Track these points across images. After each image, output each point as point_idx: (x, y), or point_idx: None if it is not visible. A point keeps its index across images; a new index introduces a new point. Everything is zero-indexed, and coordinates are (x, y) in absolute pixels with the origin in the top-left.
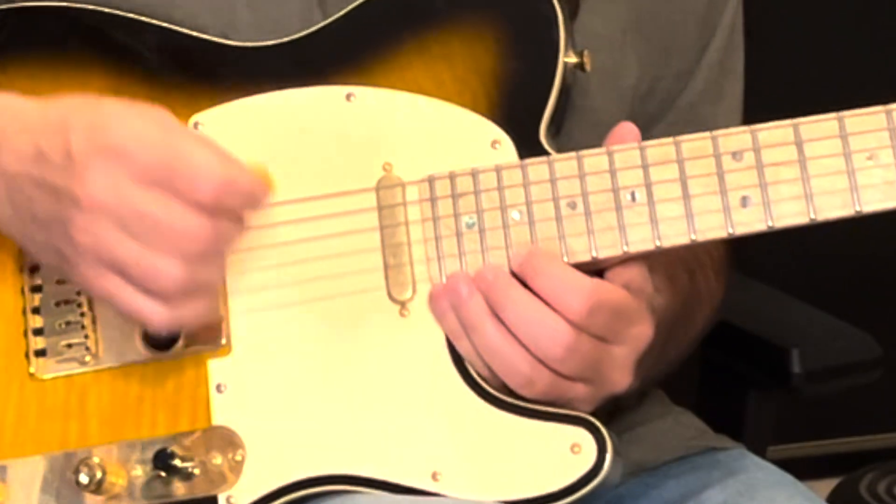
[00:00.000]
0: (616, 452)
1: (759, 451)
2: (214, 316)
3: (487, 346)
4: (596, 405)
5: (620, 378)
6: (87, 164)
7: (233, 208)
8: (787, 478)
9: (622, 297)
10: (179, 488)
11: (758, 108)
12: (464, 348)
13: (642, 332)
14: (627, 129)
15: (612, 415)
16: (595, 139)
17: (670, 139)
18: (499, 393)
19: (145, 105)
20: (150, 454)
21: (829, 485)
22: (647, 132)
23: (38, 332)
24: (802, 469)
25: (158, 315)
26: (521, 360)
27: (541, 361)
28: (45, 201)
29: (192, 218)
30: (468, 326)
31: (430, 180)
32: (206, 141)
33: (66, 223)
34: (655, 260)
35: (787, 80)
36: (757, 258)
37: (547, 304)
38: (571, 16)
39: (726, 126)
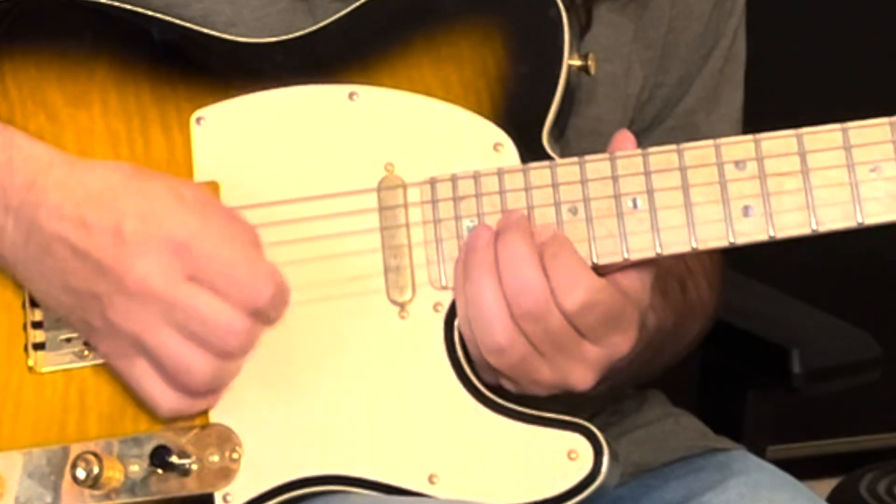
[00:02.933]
0: (613, 459)
1: (759, 452)
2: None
3: (475, 296)
4: (550, 394)
5: (583, 375)
6: (140, 249)
7: (274, 315)
8: (788, 479)
9: (618, 303)
10: (176, 485)
11: (761, 115)
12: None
13: (622, 342)
14: (626, 137)
15: (612, 416)
16: (593, 146)
17: (673, 147)
18: (497, 397)
19: (189, 190)
20: (147, 450)
21: (829, 485)
22: (644, 137)
23: (37, 325)
24: (802, 469)
25: (172, 404)
26: (501, 323)
27: (516, 323)
28: (83, 274)
29: (238, 317)
30: (467, 273)
31: (432, 182)
32: (256, 242)
33: (103, 302)
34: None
35: (791, 86)
36: (757, 258)
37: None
38: (584, 28)
39: (720, 133)
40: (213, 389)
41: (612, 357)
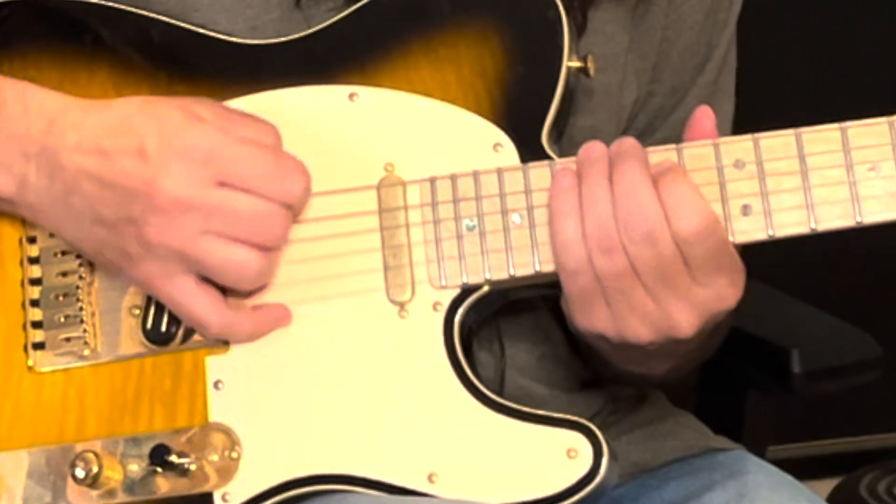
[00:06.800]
0: (612, 457)
1: (759, 452)
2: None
3: (590, 196)
4: (655, 342)
5: (689, 317)
6: (165, 165)
7: (300, 209)
8: (788, 479)
9: (727, 241)
10: (175, 484)
11: (761, 115)
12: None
13: (728, 288)
14: (706, 113)
15: (611, 415)
16: None
17: (672, 146)
18: (496, 395)
19: (202, 107)
20: (146, 449)
21: (829, 485)
22: None
23: (36, 325)
24: (802, 469)
25: (218, 318)
26: (612, 225)
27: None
28: (114, 203)
29: (275, 207)
30: (582, 173)
31: (432, 181)
32: (277, 141)
33: (138, 224)
34: None
35: (791, 86)
36: (757, 258)
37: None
38: (577, 34)
39: None
40: (259, 287)
41: (720, 304)
